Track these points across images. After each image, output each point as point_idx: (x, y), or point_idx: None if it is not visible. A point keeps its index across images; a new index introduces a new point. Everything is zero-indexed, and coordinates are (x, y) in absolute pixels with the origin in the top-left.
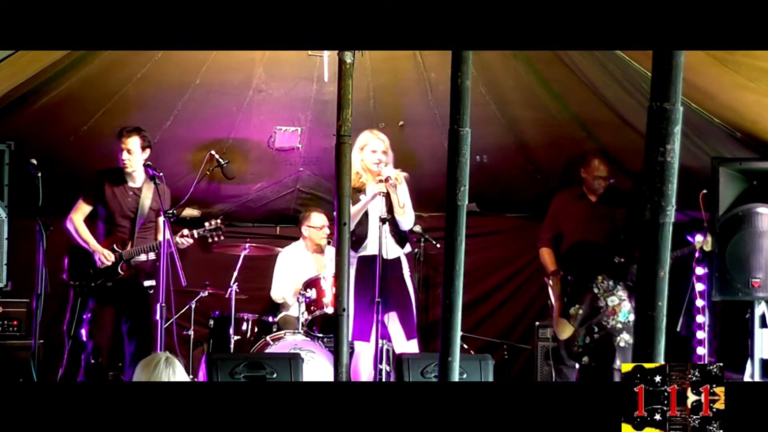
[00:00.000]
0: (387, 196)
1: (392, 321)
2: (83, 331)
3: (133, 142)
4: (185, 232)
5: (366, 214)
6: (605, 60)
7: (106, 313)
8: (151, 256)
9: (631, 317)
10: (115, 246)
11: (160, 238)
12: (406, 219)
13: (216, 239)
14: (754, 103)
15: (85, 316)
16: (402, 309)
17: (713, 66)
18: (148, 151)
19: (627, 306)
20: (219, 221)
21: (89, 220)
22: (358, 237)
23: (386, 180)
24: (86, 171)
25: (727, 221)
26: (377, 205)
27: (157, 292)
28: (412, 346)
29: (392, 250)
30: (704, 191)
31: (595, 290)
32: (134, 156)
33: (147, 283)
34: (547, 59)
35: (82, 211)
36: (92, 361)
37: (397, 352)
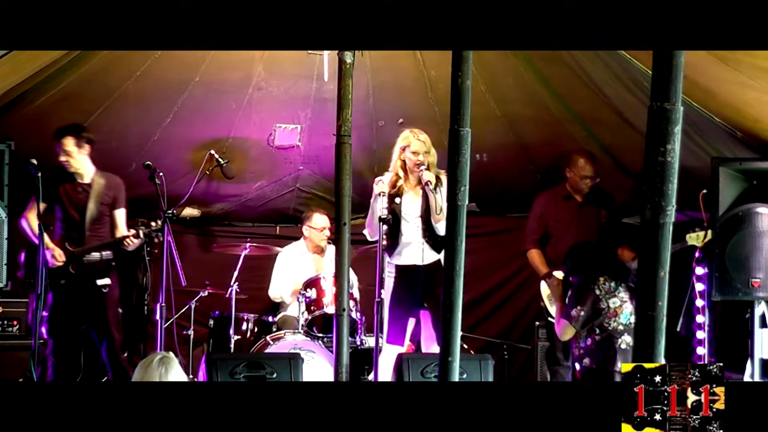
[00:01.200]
0: (425, 198)
1: (426, 322)
2: (43, 330)
3: (68, 144)
4: (131, 232)
5: (398, 218)
6: (607, 58)
7: (63, 311)
8: (106, 254)
9: (633, 319)
10: (67, 244)
11: (118, 234)
12: (444, 225)
13: (162, 238)
14: (755, 101)
15: (43, 314)
16: (438, 313)
17: (714, 64)
18: (87, 147)
19: (629, 308)
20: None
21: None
22: (391, 242)
23: (426, 184)
24: None
25: (727, 221)
26: (404, 207)
27: (112, 291)
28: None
29: (428, 256)
30: (704, 191)
31: (597, 291)
32: (72, 156)
33: (100, 282)
34: (548, 57)
35: (36, 209)
36: (53, 359)
37: (424, 351)
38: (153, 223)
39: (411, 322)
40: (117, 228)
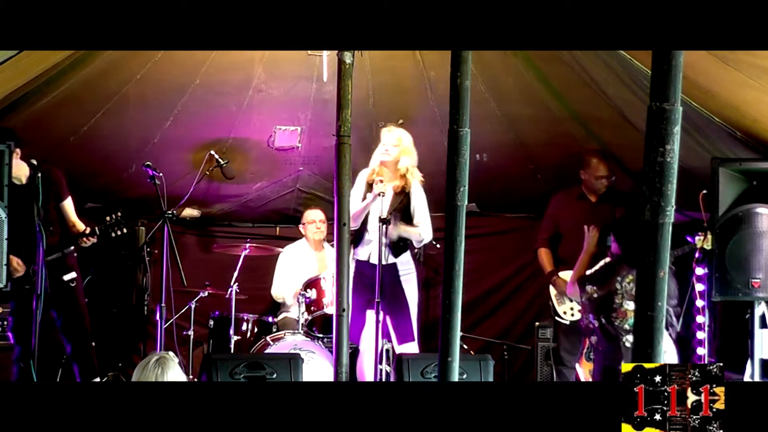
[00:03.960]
0: (395, 200)
1: (388, 324)
2: (9, 335)
3: None
4: (87, 230)
5: (366, 215)
6: (608, 57)
7: (30, 315)
8: (67, 250)
9: None
10: (24, 250)
11: (71, 224)
12: (414, 231)
13: (119, 233)
14: (754, 101)
15: (8, 319)
16: (395, 313)
17: (714, 64)
18: (18, 150)
19: None
20: (119, 214)
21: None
22: (355, 237)
23: (379, 194)
24: (85, 171)
25: (727, 221)
26: (377, 207)
27: (78, 282)
28: (405, 349)
29: (385, 257)
30: (704, 191)
31: (618, 287)
32: None
33: (67, 278)
34: (548, 57)
35: None
36: (21, 364)
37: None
38: (108, 218)
39: (368, 318)
40: (69, 218)
